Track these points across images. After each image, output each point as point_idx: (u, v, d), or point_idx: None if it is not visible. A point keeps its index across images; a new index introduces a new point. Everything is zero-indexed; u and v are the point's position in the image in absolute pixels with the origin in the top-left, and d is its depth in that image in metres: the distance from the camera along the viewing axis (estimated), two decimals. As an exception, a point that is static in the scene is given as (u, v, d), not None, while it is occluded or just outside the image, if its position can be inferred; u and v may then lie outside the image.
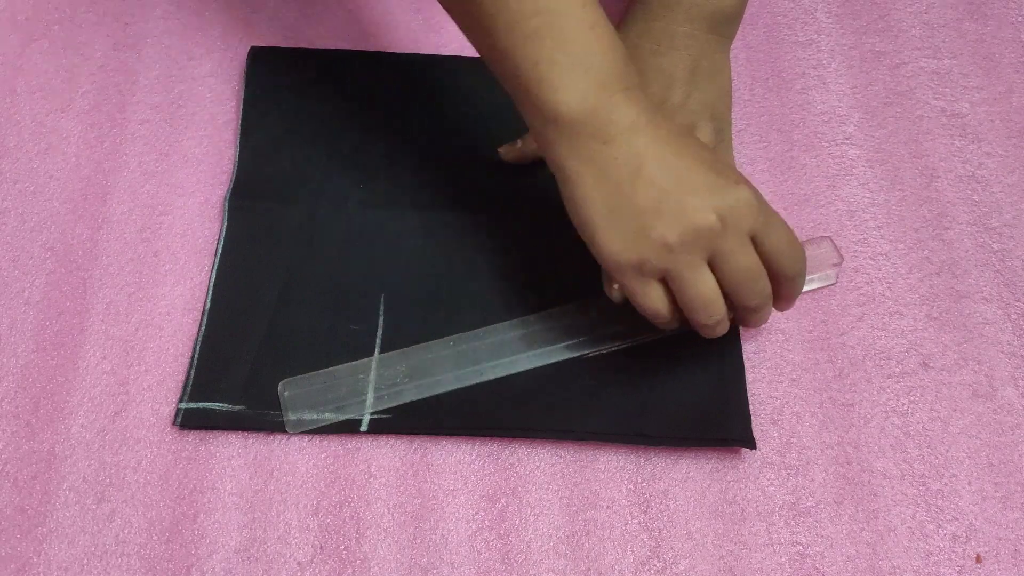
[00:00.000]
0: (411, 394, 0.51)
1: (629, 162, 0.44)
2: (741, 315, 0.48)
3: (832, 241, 0.53)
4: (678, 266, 0.44)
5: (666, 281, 0.46)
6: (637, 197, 0.44)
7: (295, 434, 0.51)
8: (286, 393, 0.51)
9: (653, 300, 0.46)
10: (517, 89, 0.46)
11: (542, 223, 0.57)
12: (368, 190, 0.58)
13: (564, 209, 0.56)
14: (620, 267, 0.45)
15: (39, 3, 0.66)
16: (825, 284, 0.53)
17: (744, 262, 0.45)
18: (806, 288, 0.51)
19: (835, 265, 0.52)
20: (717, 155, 0.47)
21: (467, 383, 0.52)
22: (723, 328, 0.47)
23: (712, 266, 0.45)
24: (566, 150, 0.45)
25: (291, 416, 0.51)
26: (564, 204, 0.47)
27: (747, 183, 0.45)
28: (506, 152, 0.58)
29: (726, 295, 0.46)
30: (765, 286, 0.46)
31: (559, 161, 0.46)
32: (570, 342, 0.53)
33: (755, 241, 0.45)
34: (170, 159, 0.60)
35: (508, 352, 0.52)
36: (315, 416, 0.51)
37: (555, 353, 0.53)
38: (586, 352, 0.53)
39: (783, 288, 0.48)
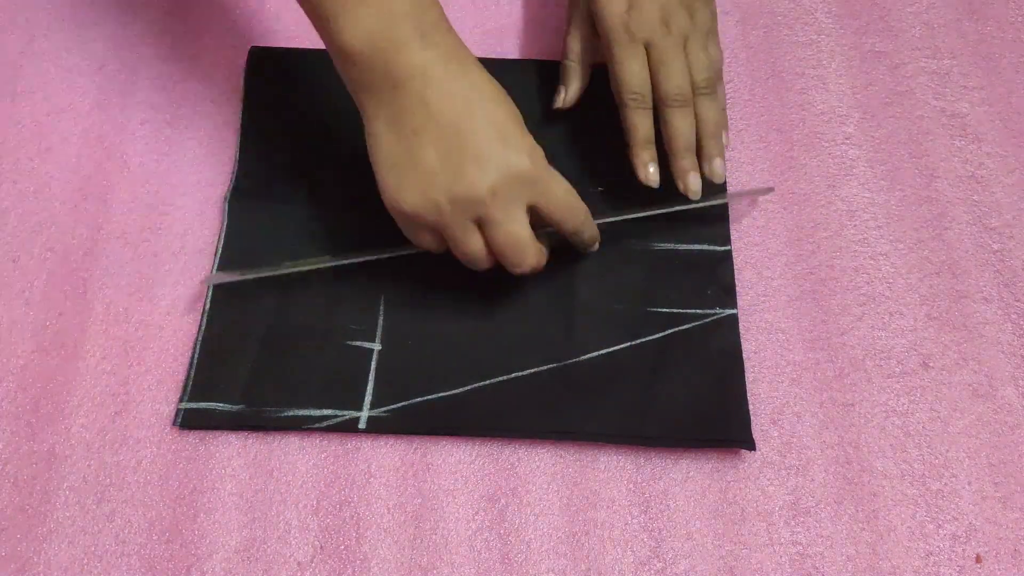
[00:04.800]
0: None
1: (415, 114, 0.46)
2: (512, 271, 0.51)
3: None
4: (448, 226, 0.48)
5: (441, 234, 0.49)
6: (419, 153, 0.46)
7: (294, 433, 0.51)
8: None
9: (427, 244, 0.50)
10: (314, 21, 0.48)
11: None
12: (368, 190, 0.58)
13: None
14: (397, 213, 0.49)
15: (39, 3, 0.66)
16: (766, 189, 0.59)
17: (508, 232, 0.48)
18: (753, 193, 0.58)
19: (768, 189, 0.59)
20: (512, 114, 0.48)
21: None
22: (521, 269, 0.50)
23: (482, 230, 0.48)
24: (360, 88, 0.48)
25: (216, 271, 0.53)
26: (366, 138, 0.49)
27: (528, 151, 0.47)
28: (560, 103, 0.59)
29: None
30: (528, 255, 0.49)
31: (355, 97, 0.49)
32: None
33: (533, 207, 0.48)
34: (170, 159, 0.60)
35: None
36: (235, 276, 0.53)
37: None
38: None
39: (571, 240, 0.52)
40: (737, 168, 0.60)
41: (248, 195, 0.58)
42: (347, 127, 0.61)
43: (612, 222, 0.55)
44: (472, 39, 0.65)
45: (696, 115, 0.55)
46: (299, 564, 0.48)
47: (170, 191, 0.59)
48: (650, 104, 0.54)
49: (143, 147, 0.60)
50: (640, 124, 0.54)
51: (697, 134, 0.55)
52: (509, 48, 0.65)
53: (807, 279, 0.57)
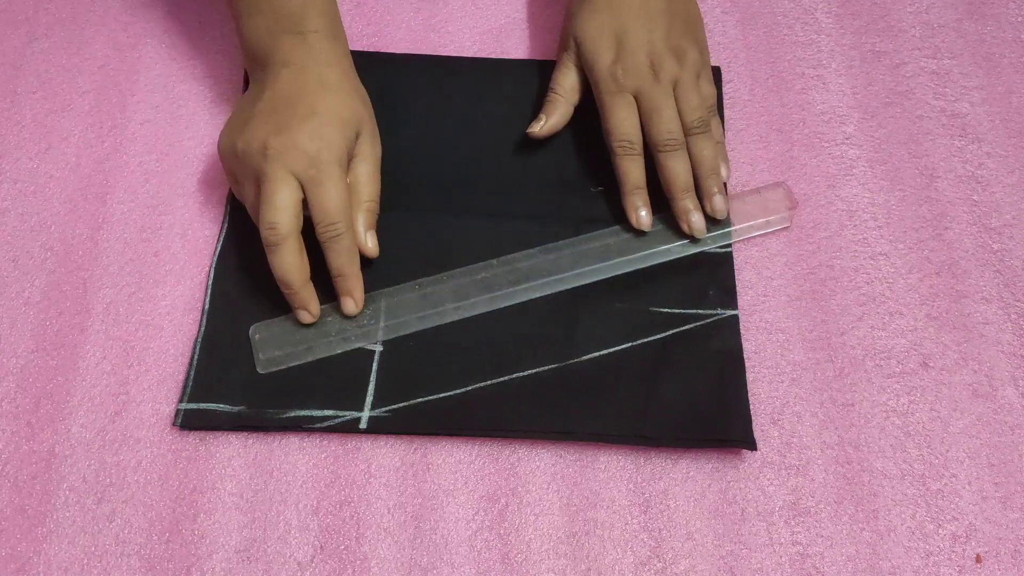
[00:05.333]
0: (382, 334, 0.53)
1: (268, 86, 0.53)
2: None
3: (786, 186, 0.58)
4: (245, 181, 0.52)
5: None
6: (256, 106, 0.53)
7: (294, 433, 0.51)
8: (256, 336, 0.52)
9: (247, 198, 0.53)
10: (232, 19, 0.56)
11: (543, 222, 0.57)
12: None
13: (565, 207, 0.57)
14: (221, 153, 0.54)
15: (39, 3, 0.66)
16: (781, 227, 0.58)
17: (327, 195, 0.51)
18: (766, 230, 0.57)
19: (789, 209, 0.57)
20: (343, 102, 0.53)
21: (432, 324, 0.54)
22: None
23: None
24: (250, 71, 0.57)
25: (261, 356, 0.52)
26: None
27: (306, 135, 0.51)
28: (538, 130, 0.59)
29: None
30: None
31: (249, 79, 0.57)
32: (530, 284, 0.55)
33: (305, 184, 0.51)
34: (170, 159, 0.60)
35: (473, 294, 0.54)
36: (284, 353, 0.52)
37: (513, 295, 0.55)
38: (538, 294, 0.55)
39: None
40: (737, 168, 0.60)
41: (248, 195, 0.58)
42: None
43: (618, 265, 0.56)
44: (472, 39, 0.65)
45: (691, 155, 0.55)
46: (299, 564, 0.48)
47: (170, 191, 0.59)
48: (639, 150, 0.56)
49: (143, 147, 0.60)
50: (630, 170, 0.56)
51: (695, 173, 0.56)
52: (509, 48, 0.65)
53: (807, 279, 0.57)
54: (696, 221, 0.55)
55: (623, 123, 0.56)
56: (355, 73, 0.56)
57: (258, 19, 0.54)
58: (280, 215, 0.49)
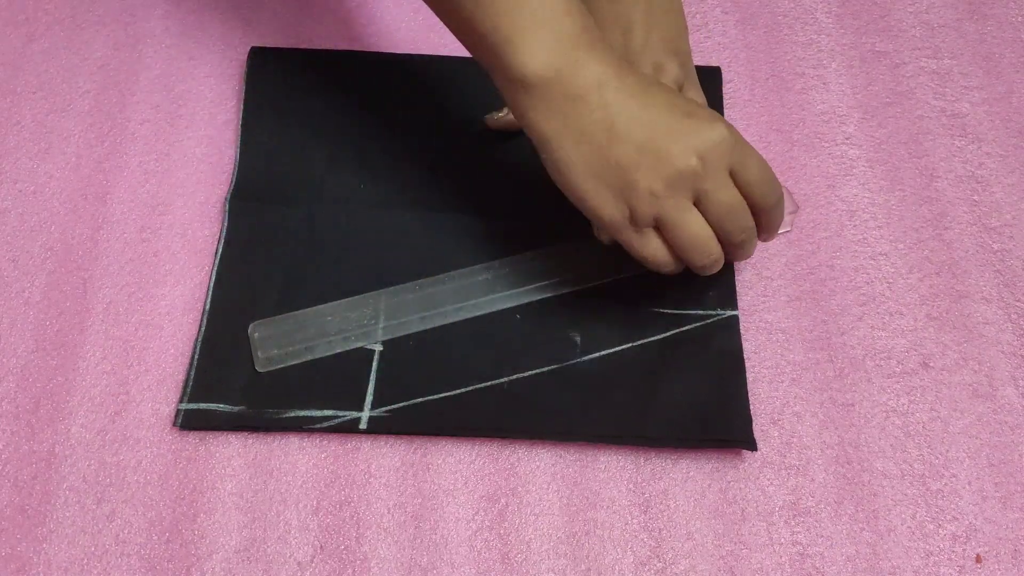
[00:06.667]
0: (382, 334, 0.53)
1: (603, 119, 0.45)
2: (729, 251, 0.49)
3: (787, 191, 0.55)
4: (667, 211, 0.46)
5: (659, 229, 0.47)
6: (616, 153, 0.45)
7: (294, 433, 0.51)
8: (256, 334, 0.52)
9: (653, 250, 0.47)
10: (485, 55, 0.47)
11: (543, 222, 0.57)
12: (368, 190, 0.58)
13: (569, 209, 0.56)
14: (615, 224, 0.47)
15: (39, 3, 0.66)
16: (783, 231, 0.55)
17: (727, 197, 0.46)
18: None
19: (791, 213, 0.55)
20: (685, 97, 0.48)
21: (433, 324, 0.53)
22: (718, 266, 0.49)
23: (697, 206, 0.46)
24: (540, 114, 0.46)
25: (261, 355, 0.52)
26: (546, 169, 0.48)
27: (720, 119, 0.46)
28: (493, 121, 0.59)
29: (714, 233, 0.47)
30: (748, 219, 0.48)
31: (535, 126, 0.47)
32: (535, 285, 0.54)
33: (733, 176, 0.46)
34: (170, 159, 0.60)
35: (474, 295, 0.54)
36: (283, 352, 0.52)
37: (521, 296, 0.55)
38: (559, 292, 0.54)
39: (764, 219, 0.49)
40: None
41: (248, 195, 0.58)
42: (347, 127, 0.61)
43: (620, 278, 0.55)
44: (472, 39, 0.65)
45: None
46: (299, 564, 0.48)
47: (170, 191, 0.59)
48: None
49: (143, 147, 0.60)
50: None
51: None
52: (509, 48, 0.65)
53: (807, 279, 0.57)
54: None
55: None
56: None
57: (547, 41, 0.45)
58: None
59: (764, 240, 0.51)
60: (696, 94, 0.56)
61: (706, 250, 0.47)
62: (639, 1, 0.56)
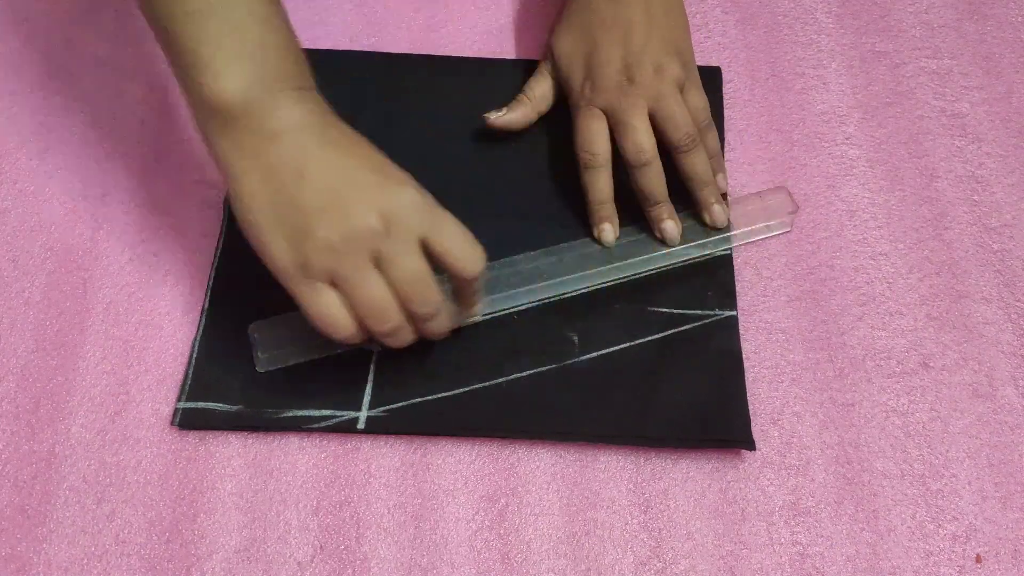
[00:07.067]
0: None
1: (294, 161, 0.43)
2: (417, 324, 0.47)
3: (788, 191, 0.57)
4: (344, 268, 0.43)
5: (337, 286, 0.44)
6: (302, 197, 0.43)
7: (294, 433, 0.51)
8: (255, 334, 0.52)
9: (324, 306, 0.44)
10: (181, 71, 0.44)
11: (545, 224, 0.57)
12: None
13: (565, 206, 0.57)
14: (287, 271, 0.44)
15: (39, 3, 0.66)
16: (783, 231, 0.57)
17: (410, 264, 0.44)
18: (767, 235, 0.57)
19: (791, 213, 0.56)
20: (385, 159, 0.46)
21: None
22: (404, 337, 0.46)
23: (380, 270, 0.44)
24: (230, 144, 0.44)
25: (260, 355, 0.52)
26: (231, 202, 0.45)
27: (413, 184, 0.45)
28: (493, 121, 0.59)
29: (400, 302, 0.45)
30: (432, 292, 0.45)
31: (223, 156, 0.44)
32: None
33: (426, 244, 0.45)
34: (170, 159, 0.60)
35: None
36: (283, 352, 0.52)
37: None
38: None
39: (462, 290, 0.48)
40: (737, 168, 0.60)
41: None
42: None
43: (617, 276, 0.56)
44: (472, 39, 0.65)
45: (683, 171, 0.54)
46: (299, 564, 0.48)
47: (170, 191, 0.59)
48: (604, 163, 0.55)
49: (143, 147, 0.60)
50: (593, 183, 0.55)
51: (689, 187, 0.55)
52: (509, 48, 0.65)
53: (807, 279, 0.57)
54: (669, 229, 0.55)
55: (588, 136, 0.55)
56: None
57: (248, 72, 0.44)
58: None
59: (465, 311, 0.50)
60: (698, 94, 0.56)
61: (384, 316, 0.44)
62: (639, 1, 0.56)
